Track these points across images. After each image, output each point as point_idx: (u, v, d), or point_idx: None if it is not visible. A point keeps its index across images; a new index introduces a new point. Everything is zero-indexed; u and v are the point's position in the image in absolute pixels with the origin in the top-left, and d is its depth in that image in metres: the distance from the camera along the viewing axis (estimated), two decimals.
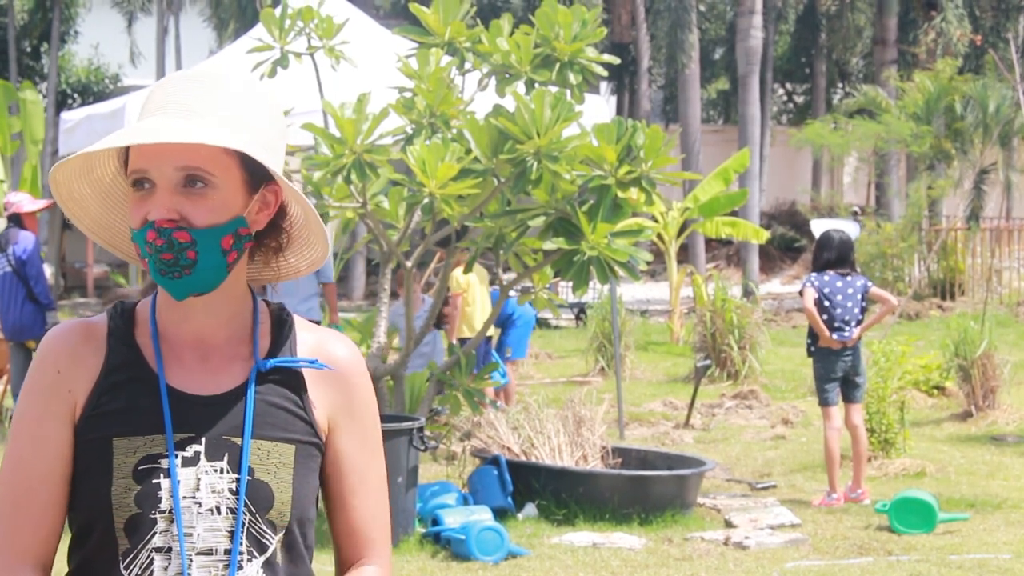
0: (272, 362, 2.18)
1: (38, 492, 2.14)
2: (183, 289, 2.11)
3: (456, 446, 10.11)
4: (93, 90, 34.82)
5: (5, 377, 13.19)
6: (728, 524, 8.85)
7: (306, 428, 2.19)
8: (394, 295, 11.08)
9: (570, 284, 8.85)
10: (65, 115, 14.94)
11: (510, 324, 12.76)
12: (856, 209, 31.07)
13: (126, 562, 2.10)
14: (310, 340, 2.24)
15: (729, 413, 13.18)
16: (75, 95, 34.86)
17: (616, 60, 8.95)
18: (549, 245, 8.23)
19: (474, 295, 12.48)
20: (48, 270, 17.71)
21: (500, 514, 8.65)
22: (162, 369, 2.16)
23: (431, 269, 14.70)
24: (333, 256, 17.16)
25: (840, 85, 40.39)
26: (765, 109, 32.71)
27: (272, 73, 8.95)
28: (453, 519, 8.17)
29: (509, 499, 8.86)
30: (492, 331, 12.19)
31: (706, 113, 39.86)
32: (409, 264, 9.07)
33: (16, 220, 12.69)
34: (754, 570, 7.76)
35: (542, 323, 21.25)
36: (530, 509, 8.91)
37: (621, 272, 8.13)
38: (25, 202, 12.71)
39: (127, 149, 2.13)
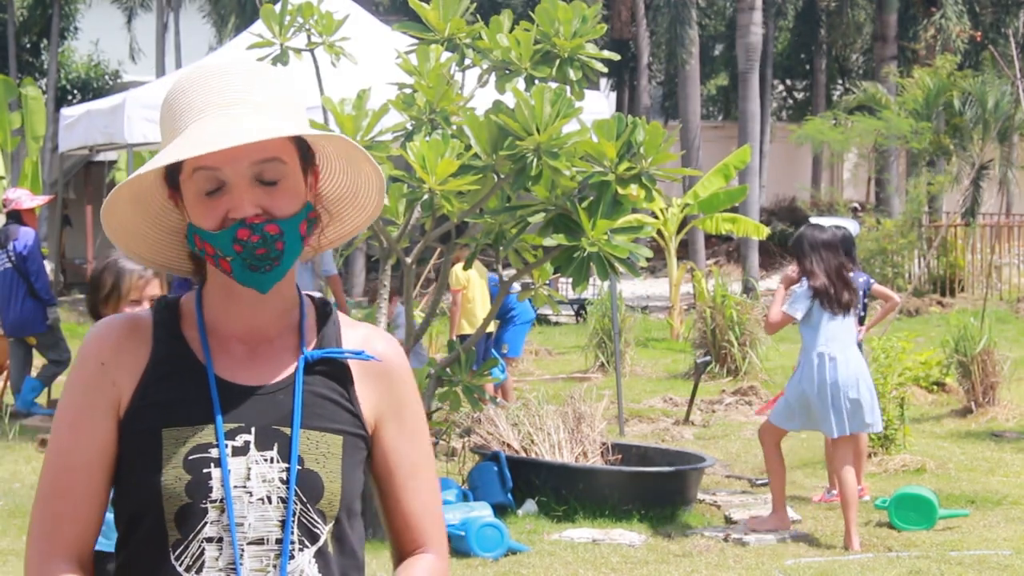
0: (319, 352, 2.20)
1: (78, 483, 2.14)
2: (269, 281, 2.13)
3: (456, 442, 10.11)
4: (93, 86, 34.81)
5: (5, 373, 13.19)
6: (728, 520, 8.85)
7: (352, 420, 2.20)
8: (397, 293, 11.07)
9: (570, 280, 8.84)
10: (65, 111, 14.94)
11: (508, 320, 12.75)
12: (856, 205, 31.06)
13: (176, 553, 2.10)
14: (354, 336, 2.26)
15: (729, 409, 13.18)
16: (75, 91, 34.85)
17: (616, 56, 8.94)
18: (549, 241, 8.22)
19: (474, 291, 12.47)
20: (48, 266, 17.71)
21: (500, 510, 8.65)
22: (210, 359, 2.16)
23: (431, 265, 14.71)
24: (333, 251, 17.17)
25: (840, 81, 40.37)
26: (765, 105, 32.70)
27: None
28: (453, 515, 8.17)
29: (509, 495, 8.86)
30: (492, 326, 12.18)
31: (706, 109, 39.84)
32: (409, 260, 9.07)
33: (16, 216, 12.70)
34: (754, 566, 7.76)
35: (542, 319, 21.25)
36: (530, 505, 8.91)
37: (621, 268, 8.12)
38: (24, 198, 12.72)
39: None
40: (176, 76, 15.20)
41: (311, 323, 2.24)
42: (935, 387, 13.25)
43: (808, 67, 39.96)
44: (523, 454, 9.31)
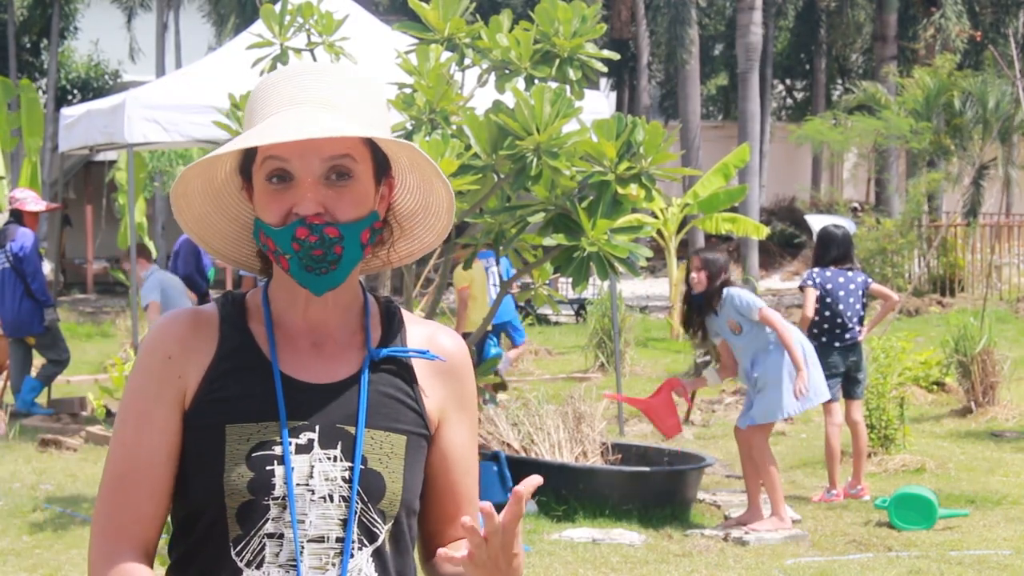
0: (385, 351, 2.19)
1: (143, 476, 2.13)
2: (325, 285, 2.12)
3: None
4: (93, 86, 34.82)
5: (5, 373, 13.20)
6: (728, 520, 8.85)
7: (416, 419, 2.20)
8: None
9: (570, 280, 8.84)
10: (65, 111, 14.92)
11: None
12: (856, 205, 31.06)
13: (237, 548, 2.10)
14: (419, 333, 2.26)
15: (729, 409, 13.18)
16: (75, 91, 34.86)
17: (616, 56, 8.94)
18: (549, 241, 8.22)
19: (477, 289, 12.50)
20: (48, 267, 17.72)
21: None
22: (275, 355, 2.15)
23: (431, 265, 14.71)
24: None
25: (840, 81, 40.39)
26: (765, 105, 32.71)
27: (272, 69, 8.95)
28: None
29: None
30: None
31: (706, 109, 39.86)
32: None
33: (16, 216, 12.72)
34: (754, 566, 7.75)
35: (542, 319, 21.27)
36: (530, 505, 8.91)
37: (621, 268, 8.12)
38: (30, 201, 12.76)
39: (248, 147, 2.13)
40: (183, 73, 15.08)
41: (376, 320, 2.23)
42: (935, 387, 13.25)
43: (808, 67, 39.97)
44: (523, 454, 9.31)
